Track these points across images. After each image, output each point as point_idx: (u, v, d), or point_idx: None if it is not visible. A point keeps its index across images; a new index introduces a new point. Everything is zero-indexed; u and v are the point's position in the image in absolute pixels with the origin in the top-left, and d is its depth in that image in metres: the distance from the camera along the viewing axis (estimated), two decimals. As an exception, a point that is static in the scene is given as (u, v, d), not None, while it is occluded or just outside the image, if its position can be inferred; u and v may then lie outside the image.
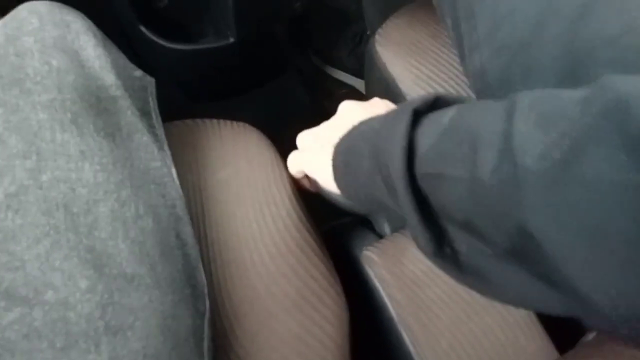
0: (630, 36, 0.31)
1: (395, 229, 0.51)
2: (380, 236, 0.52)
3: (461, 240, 0.30)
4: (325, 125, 0.46)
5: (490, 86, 0.39)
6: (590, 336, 0.45)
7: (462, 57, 0.43)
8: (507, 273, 0.27)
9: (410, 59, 0.59)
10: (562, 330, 0.45)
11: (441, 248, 0.30)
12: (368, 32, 0.95)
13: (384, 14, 0.66)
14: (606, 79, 0.22)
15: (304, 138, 0.48)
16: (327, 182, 0.42)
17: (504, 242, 0.26)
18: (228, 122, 0.52)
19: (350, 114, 0.44)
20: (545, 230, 0.22)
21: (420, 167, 0.30)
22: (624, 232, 0.20)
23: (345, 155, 0.39)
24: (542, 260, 0.24)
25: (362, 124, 0.39)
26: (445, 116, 0.30)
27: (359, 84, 1.00)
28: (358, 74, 0.99)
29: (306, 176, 0.49)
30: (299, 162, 0.48)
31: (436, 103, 0.32)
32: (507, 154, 0.24)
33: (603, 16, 0.32)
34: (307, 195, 0.50)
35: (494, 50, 0.38)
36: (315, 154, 0.45)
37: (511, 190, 0.23)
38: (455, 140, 0.28)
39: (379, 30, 0.63)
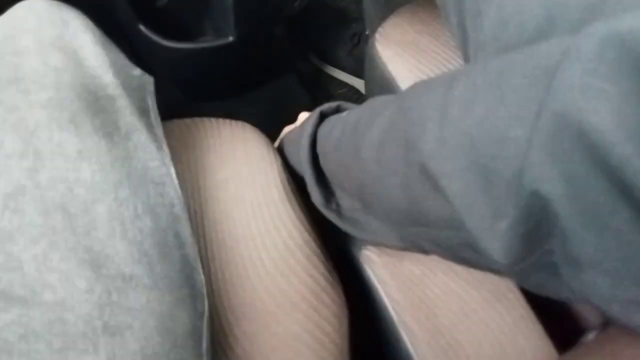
0: None
1: None
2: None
3: (342, 199, 0.44)
4: (286, 128, 0.61)
5: None
6: (590, 336, 0.45)
7: (467, 56, 0.43)
8: (368, 221, 0.41)
9: (410, 58, 0.59)
10: (561, 330, 0.45)
11: (329, 203, 0.45)
12: (367, 32, 0.95)
13: (384, 14, 0.66)
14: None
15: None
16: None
17: (355, 191, 0.40)
18: (227, 121, 0.52)
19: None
20: (373, 180, 0.36)
21: (319, 148, 0.44)
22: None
23: (285, 146, 0.54)
24: (377, 202, 0.38)
25: (296, 127, 0.54)
26: (340, 116, 0.44)
27: (358, 83, 1.00)
28: (357, 73, 0.99)
29: None
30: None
31: (339, 108, 0.47)
32: (355, 133, 0.38)
33: (611, 15, 0.31)
34: (306, 194, 0.50)
35: (501, 49, 0.38)
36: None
37: (354, 155, 0.37)
38: (336, 131, 0.42)
39: (379, 29, 0.63)
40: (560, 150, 0.22)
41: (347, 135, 0.39)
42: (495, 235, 0.26)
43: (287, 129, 0.60)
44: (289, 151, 0.53)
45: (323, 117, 0.46)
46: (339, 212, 0.45)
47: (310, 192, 0.45)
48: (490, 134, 0.25)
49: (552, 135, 0.22)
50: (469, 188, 0.27)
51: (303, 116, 0.60)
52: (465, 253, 0.32)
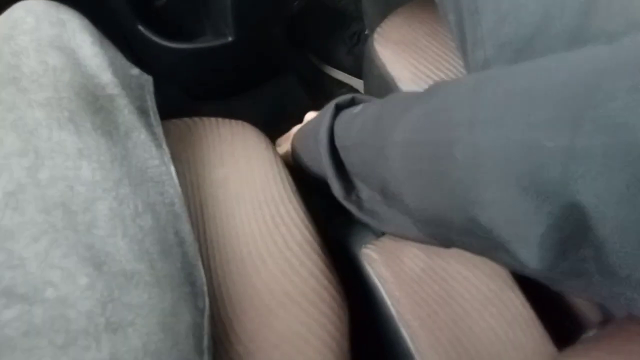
0: (634, 33, 0.31)
1: None
2: (380, 234, 0.52)
3: (362, 191, 0.45)
4: (295, 128, 0.61)
5: None
6: (590, 333, 0.45)
7: (465, 54, 0.43)
8: (389, 213, 0.42)
9: (408, 58, 0.59)
10: (561, 327, 0.45)
11: (349, 195, 0.45)
12: (366, 32, 0.96)
13: (383, 13, 0.66)
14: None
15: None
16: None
17: (378, 186, 0.40)
18: (227, 120, 0.52)
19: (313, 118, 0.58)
20: (398, 179, 0.36)
21: (337, 141, 0.45)
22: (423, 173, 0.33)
23: (299, 140, 0.55)
24: (400, 199, 0.37)
25: (313, 119, 0.53)
26: (355, 109, 0.45)
27: (357, 83, 1.00)
28: (356, 73, 0.99)
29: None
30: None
31: (353, 100, 0.48)
32: (377, 130, 0.38)
33: (607, 12, 0.32)
34: (306, 193, 0.51)
35: (499, 46, 0.38)
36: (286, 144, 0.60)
37: (377, 152, 0.37)
38: (355, 125, 0.42)
39: (378, 29, 0.63)
40: (606, 165, 0.21)
41: (368, 132, 0.40)
42: (530, 242, 0.26)
43: (296, 128, 0.60)
44: (303, 145, 0.53)
45: (338, 109, 0.47)
46: (359, 204, 0.45)
47: (331, 185, 0.46)
48: (525, 143, 0.25)
49: (597, 148, 0.21)
50: (505, 196, 0.26)
51: (310, 116, 0.60)
52: (493, 254, 0.31)
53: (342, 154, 0.45)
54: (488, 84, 0.28)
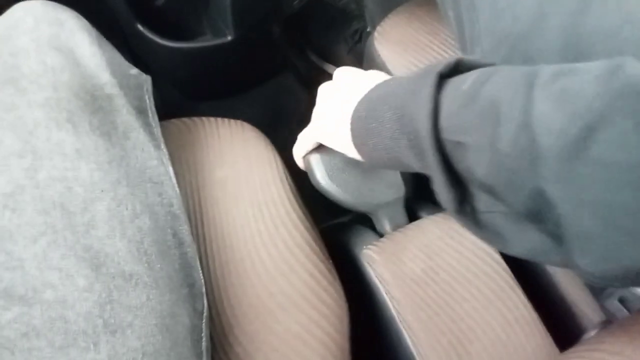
0: (629, 29, 0.31)
1: (395, 227, 0.51)
2: (380, 235, 0.51)
3: (480, 200, 0.32)
4: (329, 90, 0.44)
5: None
6: (592, 334, 0.45)
7: (464, 50, 0.43)
8: (519, 230, 0.30)
9: (408, 56, 0.59)
10: (562, 328, 0.45)
11: (462, 206, 0.32)
12: (369, 29, 0.95)
13: (385, 10, 0.66)
14: (623, 60, 0.24)
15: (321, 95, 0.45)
16: (346, 148, 0.41)
17: (520, 204, 0.28)
18: (226, 120, 0.52)
19: (353, 79, 0.42)
20: (559, 198, 0.25)
21: (443, 133, 0.30)
22: (629, 207, 0.23)
23: (366, 121, 0.37)
24: (555, 220, 0.26)
25: (381, 88, 0.37)
26: (465, 82, 0.30)
27: (357, 82, 1.00)
28: (357, 72, 0.99)
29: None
30: (313, 135, 0.45)
31: (458, 66, 0.32)
32: (526, 128, 0.26)
33: (602, 9, 0.32)
34: (306, 193, 0.50)
35: (495, 41, 0.38)
36: (329, 121, 0.42)
37: (528, 161, 0.26)
38: (475, 111, 0.29)
39: (378, 28, 0.63)
40: None
41: (512, 131, 0.26)
42: None
43: (303, 133, 0.46)
44: (368, 129, 0.37)
45: (442, 80, 0.32)
46: (474, 217, 0.33)
47: (438, 193, 0.33)
48: None
49: None
50: None
51: (343, 74, 0.43)
52: None
53: (451, 150, 0.30)
54: None
